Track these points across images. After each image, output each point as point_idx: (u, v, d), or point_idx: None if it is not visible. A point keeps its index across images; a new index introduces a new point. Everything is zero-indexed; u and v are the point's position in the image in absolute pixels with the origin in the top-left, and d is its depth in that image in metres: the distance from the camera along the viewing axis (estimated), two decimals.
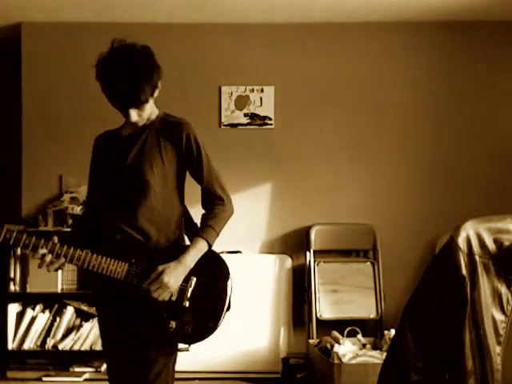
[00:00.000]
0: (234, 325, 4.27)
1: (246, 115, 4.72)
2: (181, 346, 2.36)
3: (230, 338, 4.31)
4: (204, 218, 2.33)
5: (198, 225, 2.36)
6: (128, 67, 2.24)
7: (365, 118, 4.77)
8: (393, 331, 4.07)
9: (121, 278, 2.21)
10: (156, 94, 2.32)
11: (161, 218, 2.29)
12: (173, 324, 2.23)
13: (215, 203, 2.34)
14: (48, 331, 4.44)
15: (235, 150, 4.66)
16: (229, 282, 2.34)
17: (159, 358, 2.25)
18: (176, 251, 2.26)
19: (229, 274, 2.35)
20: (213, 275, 2.33)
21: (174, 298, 2.24)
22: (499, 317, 1.64)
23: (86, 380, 4.31)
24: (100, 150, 2.41)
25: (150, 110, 2.33)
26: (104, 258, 2.20)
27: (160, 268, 2.20)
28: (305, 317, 4.60)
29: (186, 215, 2.42)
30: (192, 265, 2.25)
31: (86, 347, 4.43)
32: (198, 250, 2.27)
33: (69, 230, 4.48)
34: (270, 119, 4.73)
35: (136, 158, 2.28)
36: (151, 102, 2.31)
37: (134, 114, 2.27)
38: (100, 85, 2.30)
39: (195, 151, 2.31)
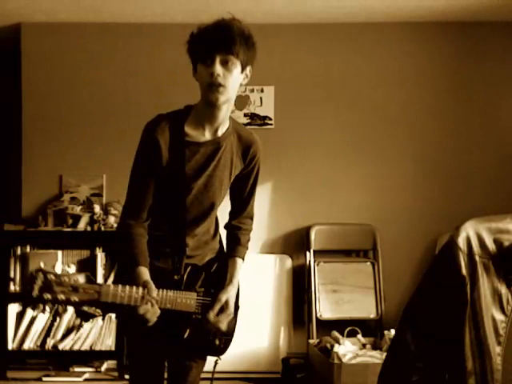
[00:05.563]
0: None
1: (246, 115, 4.72)
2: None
3: None
4: (240, 237, 2.34)
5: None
6: (235, 24, 2.11)
7: (365, 118, 4.77)
8: (393, 331, 4.07)
9: (192, 310, 2.14)
10: (245, 76, 2.15)
11: (208, 233, 2.27)
12: (217, 340, 2.23)
13: (247, 222, 2.38)
14: (48, 331, 4.44)
15: None
16: (239, 285, 2.34)
17: (198, 372, 2.30)
18: (220, 268, 2.27)
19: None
20: (223, 281, 2.30)
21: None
22: (499, 317, 1.64)
23: (85, 380, 4.31)
24: (162, 146, 2.08)
25: (234, 92, 2.10)
26: (171, 293, 2.09)
27: (223, 298, 2.18)
28: (305, 317, 4.60)
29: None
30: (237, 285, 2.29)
31: (85, 347, 4.42)
32: (240, 271, 2.30)
33: (75, 229, 4.50)
34: (270, 119, 4.73)
35: (209, 177, 2.15)
36: (238, 77, 2.09)
37: (218, 66, 2.02)
38: (195, 37, 2.08)
39: (255, 173, 2.28)
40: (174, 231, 2.17)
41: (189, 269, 2.16)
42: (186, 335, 2.13)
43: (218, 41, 2.03)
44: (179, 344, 2.16)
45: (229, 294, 2.20)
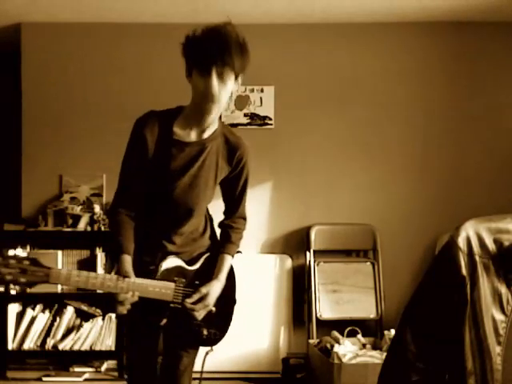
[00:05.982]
0: (234, 325, 4.29)
1: (246, 115, 4.71)
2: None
3: (230, 338, 4.31)
4: (231, 234, 2.39)
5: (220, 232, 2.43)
6: (230, 32, 2.14)
7: (364, 118, 4.77)
8: (393, 331, 4.07)
9: (169, 299, 2.18)
10: (237, 84, 2.16)
11: (196, 231, 2.32)
12: (204, 331, 2.30)
13: (240, 221, 2.41)
14: (48, 331, 4.44)
15: None
16: (234, 279, 2.41)
17: (190, 360, 2.39)
18: (209, 264, 2.32)
19: (233, 271, 2.41)
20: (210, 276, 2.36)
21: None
22: (499, 317, 1.64)
23: (85, 380, 4.31)
24: (148, 142, 2.15)
25: (226, 102, 2.15)
26: (148, 282, 2.14)
27: (204, 290, 2.23)
28: (305, 317, 4.60)
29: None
30: (224, 281, 2.33)
31: (85, 347, 4.42)
32: (228, 267, 2.35)
33: (70, 229, 4.50)
34: (270, 119, 4.73)
35: (194, 177, 2.21)
36: (231, 87, 2.12)
37: (214, 79, 2.05)
38: (191, 41, 2.11)
39: (244, 176, 2.34)
40: (159, 228, 2.25)
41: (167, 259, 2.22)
42: (162, 323, 2.19)
43: (215, 52, 2.07)
44: (159, 332, 2.24)
45: (211, 288, 2.25)
